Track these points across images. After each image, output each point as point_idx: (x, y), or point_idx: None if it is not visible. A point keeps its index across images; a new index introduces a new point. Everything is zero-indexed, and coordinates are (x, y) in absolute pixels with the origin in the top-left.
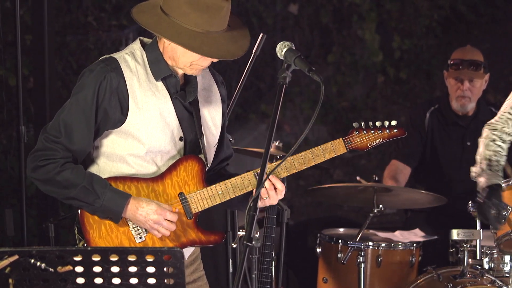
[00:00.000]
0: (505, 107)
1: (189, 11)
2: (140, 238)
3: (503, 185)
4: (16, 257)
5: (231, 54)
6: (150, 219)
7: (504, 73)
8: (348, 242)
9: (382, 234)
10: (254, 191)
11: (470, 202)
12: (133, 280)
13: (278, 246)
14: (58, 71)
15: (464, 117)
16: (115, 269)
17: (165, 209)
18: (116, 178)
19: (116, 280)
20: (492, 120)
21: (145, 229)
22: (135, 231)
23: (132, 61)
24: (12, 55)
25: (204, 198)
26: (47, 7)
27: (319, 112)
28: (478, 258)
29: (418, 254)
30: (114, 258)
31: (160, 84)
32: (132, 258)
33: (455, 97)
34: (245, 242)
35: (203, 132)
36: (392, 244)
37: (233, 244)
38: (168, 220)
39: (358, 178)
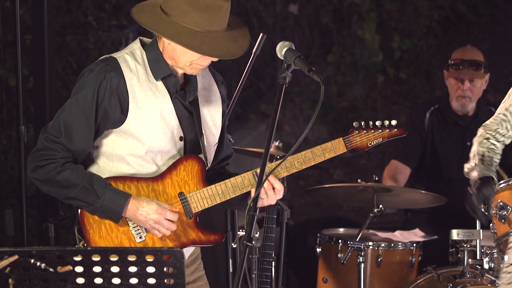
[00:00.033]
0: (500, 108)
1: (189, 11)
2: (140, 238)
3: (502, 184)
4: (16, 257)
5: (230, 53)
6: (151, 219)
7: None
8: (348, 242)
9: (382, 234)
10: (252, 191)
11: None
12: (133, 280)
13: (278, 246)
14: (58, 71)
15: (464, 117)
16: (115, 269)
17: (166, 209)
18: (116, 178)
19: (116, 280)
20: (487, 122)
21: (145, 229)
22: (135, 231)
23: (132, 60)
24: (12, 55)
25: (204, 197)
26: (47, 7)
27: (319, 112)
28: (478, 258)
29: (418, 254)
30: (114, 258)
31: (160, 83)
32: (132, 258)
33: (455, 97)
34: (245, 242)
35: (203, 132)
36: (392, 244)
37: (233, 244)
38: (168, 219)
39: (359, 181)
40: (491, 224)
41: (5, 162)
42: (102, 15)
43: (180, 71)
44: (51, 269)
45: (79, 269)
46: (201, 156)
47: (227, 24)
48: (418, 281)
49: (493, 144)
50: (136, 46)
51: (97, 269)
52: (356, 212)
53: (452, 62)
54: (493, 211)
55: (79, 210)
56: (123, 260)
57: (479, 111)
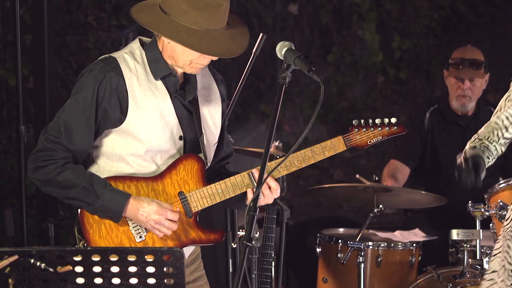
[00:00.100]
0: (492, 116)
1: (188, 9)
2: (140, 237)
3: (502, 184)
4: (16, 257)
5: (230, 52)
6: (151, 219)
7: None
8: (348, 242)
9: (382, 234)
10: (248, 191)
11: (470, 202)
12: (133, 280)
13: (278, 246)
14: (58, 71)
15: (464, 116)
16: (115, 269)
17: (166, 209)
18: (116, 178)
19: (116, 280)
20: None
21: (145, 229)
22: (135, 231)
23: (131, 60)
24: (12, 55)
25: (204, 197)
26: (47, 7)
27: (319, 112)
28: (478, 258)
29: (418, 254)
30: (114, 258)
31: (159, 83)
32: (132, 258)
33: (455, 96)
34: (245, 242)
35: (202, 131)
36: (392, 244)
37: (233, 244)
38: (169, 219)
39: (357, 176)
40: (491, 224)
41: (5, 162)
42: (102, 15)
43: (179, 71)
44: (51, 269)
45: (79, 269)
46: (201, 155)
47: (227, 23)
48: (418, 281)
49: (486, 145)
50: (135, 45)
51: (97, 269)
52: (356, 212)
53: (452, 62)
54: (493, 211)
55: (79, 210)
56: (123, 260)
57: (479, 111)
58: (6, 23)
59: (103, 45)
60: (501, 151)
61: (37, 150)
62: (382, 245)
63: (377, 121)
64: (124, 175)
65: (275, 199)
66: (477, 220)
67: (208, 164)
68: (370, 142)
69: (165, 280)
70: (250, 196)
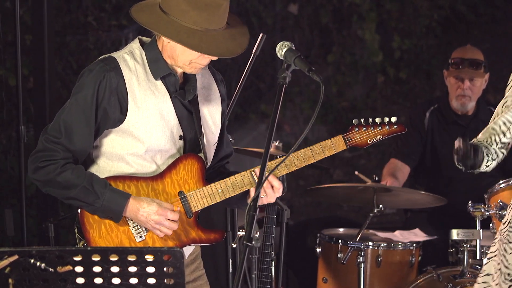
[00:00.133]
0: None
1: (188, 9)
2: (140, 237)
3: (502, 184)
4: (16, 257)
5: (230, 52)
6: (152, 219)
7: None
8: (348, 242)
9: (382, 234)
10: (251, 190)
11: (470, 202)
12: (133, 280)
13: (278, 246)
14: (58, 71)
15: (464, 116)
16: (115, 269)
17: (166, 209)
18: (115, 178)
19: (116, 280)
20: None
21: (145, 228)
22: (135, 230)
23: (131, 60)
24: (12, 55)
25: (204, 196)
26: (47, 7)
27: (319, 112)
28: (478, 258)
29: (418, 254)
30: (114, 258)
31: (159, 83)
32: (132, 258)
33: (455, 96)
34: (245, 242)
35: (202, 131)
36: (392, 244)
37: (233, 244)
38: (169, 219)
39: (356, 173)
40: (490, 224)
41: (5, 162)
42: (102, 15)
43: (179, 70)
44: (51, 269)
45: (79, 269)
46: (201, 155)
47: (226, 22)
48: (418, 281)
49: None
50: (135, 45)
51: (97, 269)
52: (356, 212)
53: (452, 61)
54: (493, 211)
55: (79, 210)
56: (123, 260)
57: (478, 110)
58: (6, 23)
59: (103, 45)
60: (503, 154)
61: (37, 150)
62: (382, 245)
63: (377, 120)
64: (124, 175)
65: (275, 199)
66: (477, 220)
67: (208, 164)
68: (370, 141)
69: (165, 280)
70: (252, 194)
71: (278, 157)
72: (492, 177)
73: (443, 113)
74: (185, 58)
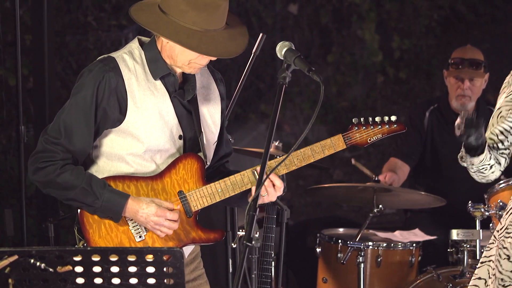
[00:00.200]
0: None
1: (187, 10)
2: (140, 237)
3: (502, 184)
4: (15, 257)
5: (229, 52)
6: (151, 221)
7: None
8: (348, 242)
9: (381, 234)
10: (252, 189)
11: (470, 202)
12: (133, 280)
13: (277, 246)
14: (57, 71)
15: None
16: (114, 269)
17: (165, 210)
18: (115, 178)
19: (115, 280)
20: None
21: (145, 228)
22: (134, 230)
23: (130, 60)
24: (11, 55)
25: (204, 196)
26: (47, 7)
27: (319, 112)
28: (477, 258)
29: (418, 254)
30: (113, 258)
31: (158, 83)
32: (131, 258)
33: (455, 96)
34: (244, 242)
35: (202, 130)
36: (392, 244)
37: (232, 244)
38: (169, 219)
39: (353, 161)
40: (490, 224)
41: (4, 162)
42: (101, 15)
43: (178, 70)
44: (51, 269)
45: (79, 269)
46: (200, 154)
47: (226, 23)
48: (418, 281)
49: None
50: (134, 45)
51: (97, 269)
52: (356, 212)
53: (452, 61)
54: (493, 211)
55: (78, 210)
56: (123, 260)
57: (478, 110)
58: (6, 23)
59: (103, 45)
60: (505, 159)
61: (37, 151)
62: (382, 245)
63: (377, 119)
64: (124, 174)
65: (276, 198)
66: (477, 220)
67: (208, 163)
68: (370, 140)
69: (165, 280)
70: (254, 193)
71: (277, 157)
72: None
73: (443, 113)
74: (184, 58)
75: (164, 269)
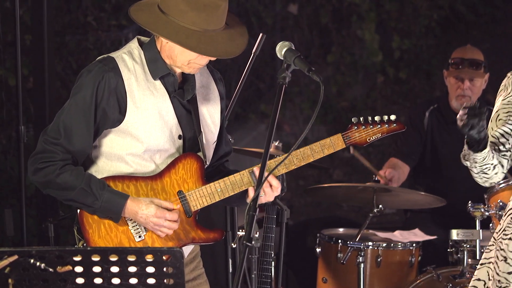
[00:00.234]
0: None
1: (187, 10)
2: (140, 237)
3: (502, 184)
4: (15, 257)
5: (228, 53)
6: (151, 222)
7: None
8: (348, 242)
9: (381, 234)
10: (249, 190)
11: (470, 202)
12: (133, 280)
13: (277, 246)
14: (57, 71)
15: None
16: (114, 269)
17: (164, 211)
18: (114, 178)
19: (115, 280)
20: None
21: (145, 228)
22: (134, 230)
23: (130, 60)
24: (11, 55)
25: (203, 195)
26: (47, 7)
27: (319, 112)
28: (477, 258)
29: (418, 254)
30: (113, 258)
31: (158, 83)
32: (131, 258)
33: (455, 96)
34: (244, 242)
35: (201, 130)
36: (392, 244)
37: (232, 244)
38: (169, 220)
39: (352, 151)
40: (490, 224)
41: (4, 162)
42: (101, 15)
43: (178, 70)
44: (50, 269)
45: (78, 269)
46: (200, 154)
47: (225, 23)
48: (418, 281)
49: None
50: (134, 45)
51: (96, 269)
52: (355, 212)
53: (452, 61)
54: (493, 211)
55: (78, 210)
56: (122, 260)
57: None
58: (6, 23)
59: (103, 45)
60: (507, 161)
61: (36, 152)
62: (382, 245)
63: (376, 118)
64: (123, 174)
65: (275, 199)
66: (477, 220)
67: (207, 163)
68: (369, 139)
69: (165, 280)
70: (251, 194)
71: (277, 157)
72: None
73: (443, 113)
74: (183, 59)
75: (164, 269)
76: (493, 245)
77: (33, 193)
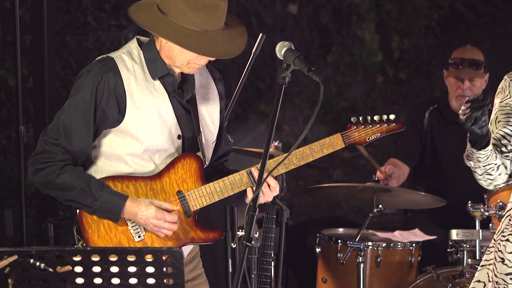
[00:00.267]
0: None
1: (186, 10)
2: (139, 237)
3: (502, 184)
4: (15, 257)
5: (227, 53)
6: (150, 223)
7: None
8: (348, 242)
9: (381, 234)
10: (248, 190)
11: (469, 202)
12: (133, 280)
13: (277, 246)
14: (57, 71)
15: None
16: (114, 269)
17: (164, 212)
18: (114, 178)
19: (115, 280)
20: None
21: (144, 228)
22: (133, 230)
23: (129, 60)
24: (11, 55)
25: (203, 195)
26: (47, 7)
27: (319, 112)
28: (477, 258)
29: (418, 254)
30: (113, 258)
31: (157, 83)
32: (131, 258)
33: (455, 96)
34: (244, 242)
35: (201, 130)
36: (392, 244)
37: (232, 244)
38: (168, 221)
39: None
40: (490, 224)
41: (4, 162)
42: (101, 15)
43: (177, 70)
44: (50, 269)
45: (78, 269)
46: (199, 154)
47: (225, 23)
48: (418, 281)
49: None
50: (133, 45)
51: (96, 269)
52: (355, 212)
53: (452, 62)
54: (493, 211)
55: (77, 210)
56: (122, 260)
57: None
58: (6, 23)
59: (103, 45)
60: (510, 162)
61: (36, 152)
62: (382, 245)
63: (376, 117)
64: (123, 174)
65: (274, 199)
66: (477, 220)
67: (207, 163)
68: (368, 139)
69: (165, 280)
70: (250, 194)
71: (276, 156)
72: None
73: (443, 113)
74: (183, 59)
75: (164, 269)
76: (493, 246)
77: (33, 193)
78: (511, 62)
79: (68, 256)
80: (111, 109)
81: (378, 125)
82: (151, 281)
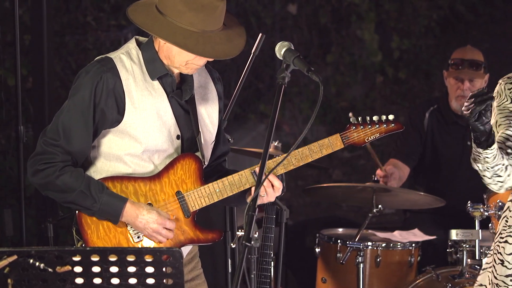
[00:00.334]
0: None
1: (184, 10)
2: (138, 237)
3: None
4: (15, 257)
5: (226, 53)
6: (150, 227)
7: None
8: (347, 242)
9: (381, 234)
10: (252, 188)
11: (469, 202)
12: (132, 280)
13: (277, 246)
14: (57, 71)
15: (464, 117)
16: (114, 269)
17: (165, 218)
18: (113, 178)
19: (115, 280)
20: None
21: None
22: (133, 231)
23: (128, 60)
24: (11, 55)
25: (202, 196)
26: (46, 7)
27: (318, 112)
28: (477, 258)
29: (417, 254)
30: (113, 258)
31: (156, 83)
32: (131, 258)
33: (455, 96)
34: (244, 242)
35: (200, 130)
36: (391, 244)
37: (232, 244)
38: (167, 228)
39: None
40: (490, 224)
41: (4, 162)
42: (101, 15)
43: (176, 71)
44: (50, 269)
45: (78, 269)
46: (198, 154)
47: (223, 23)
48: (417, 281)
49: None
50: (132, 45)
51: (96, 269)
52: (355, 212)
53: (452, 62)
54: (492, 211)
55: (76, 211)
56: (122, 260)
57: None
58: (5, 23)
59: (102, 45)
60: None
61: (36, 153)
62: (381, 245)
63: (375, 118)
64: (122, 175)
65: (275, 199)
66: (476, 220)
67: (206, 163)
68: (367, 139)
69: (164, 280)
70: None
71: (276, 157)
72: None
73: (443, 113)
74: (181, 59)
75: (163, 269)
76: (493, 249)
77: (32, 193)
78: (511, 62)
79: (67, 256)
80: (110, 109)
81: (377, 126)
82: (150, 281)
